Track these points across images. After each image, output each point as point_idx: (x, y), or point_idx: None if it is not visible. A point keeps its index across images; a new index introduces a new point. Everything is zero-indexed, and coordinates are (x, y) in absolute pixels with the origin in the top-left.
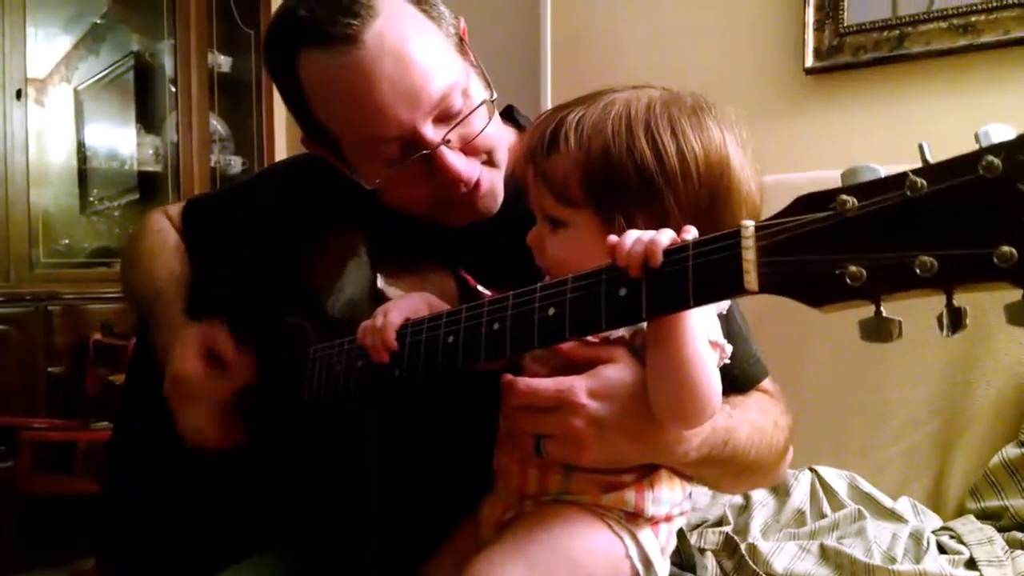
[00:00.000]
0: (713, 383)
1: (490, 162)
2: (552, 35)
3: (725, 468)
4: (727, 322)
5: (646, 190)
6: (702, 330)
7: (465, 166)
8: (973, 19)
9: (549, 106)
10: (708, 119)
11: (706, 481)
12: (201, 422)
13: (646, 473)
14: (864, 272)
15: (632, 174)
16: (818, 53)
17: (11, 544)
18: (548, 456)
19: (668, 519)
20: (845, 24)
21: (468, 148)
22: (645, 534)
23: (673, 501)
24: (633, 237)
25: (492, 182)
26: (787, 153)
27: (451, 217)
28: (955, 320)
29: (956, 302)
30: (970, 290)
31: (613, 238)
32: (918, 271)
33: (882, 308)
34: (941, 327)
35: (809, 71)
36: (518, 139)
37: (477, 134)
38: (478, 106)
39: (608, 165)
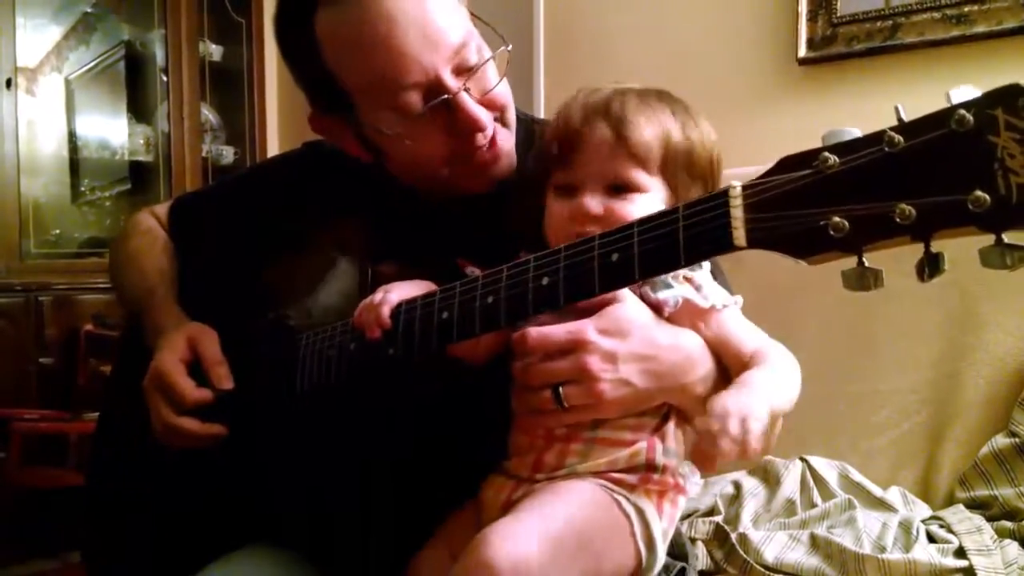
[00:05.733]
0: (794, 393)
1: (503, 121)
2: (544, 27)
3: None
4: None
5: (706, 178)
6: (762, 400)
7: (485, 115)
8: (966, 9)
9: (543, 100)
10: None
11: None
12: (170, 423)
13: (657, 428)
14: (847, 223)
15: (703, 157)
16: (811, 43)
17: (3, 535)
18: (569, 401)
19: (675, 489)
20: (838, 14)
21: (485, 101)
22: (650, 512)
23: (678, 452)
24: None
25: (507, 142)
26: (780, 143)
27: (466, 179)
28: (933, 265)
29: (943, 288)
30: (948, 236)
31: None
32: (898, 219)
33: (864, 259)
34: (920, 275)
35: (802, 61)
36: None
37: (494, 86)
38: (493, 56)
39: (689, 144)
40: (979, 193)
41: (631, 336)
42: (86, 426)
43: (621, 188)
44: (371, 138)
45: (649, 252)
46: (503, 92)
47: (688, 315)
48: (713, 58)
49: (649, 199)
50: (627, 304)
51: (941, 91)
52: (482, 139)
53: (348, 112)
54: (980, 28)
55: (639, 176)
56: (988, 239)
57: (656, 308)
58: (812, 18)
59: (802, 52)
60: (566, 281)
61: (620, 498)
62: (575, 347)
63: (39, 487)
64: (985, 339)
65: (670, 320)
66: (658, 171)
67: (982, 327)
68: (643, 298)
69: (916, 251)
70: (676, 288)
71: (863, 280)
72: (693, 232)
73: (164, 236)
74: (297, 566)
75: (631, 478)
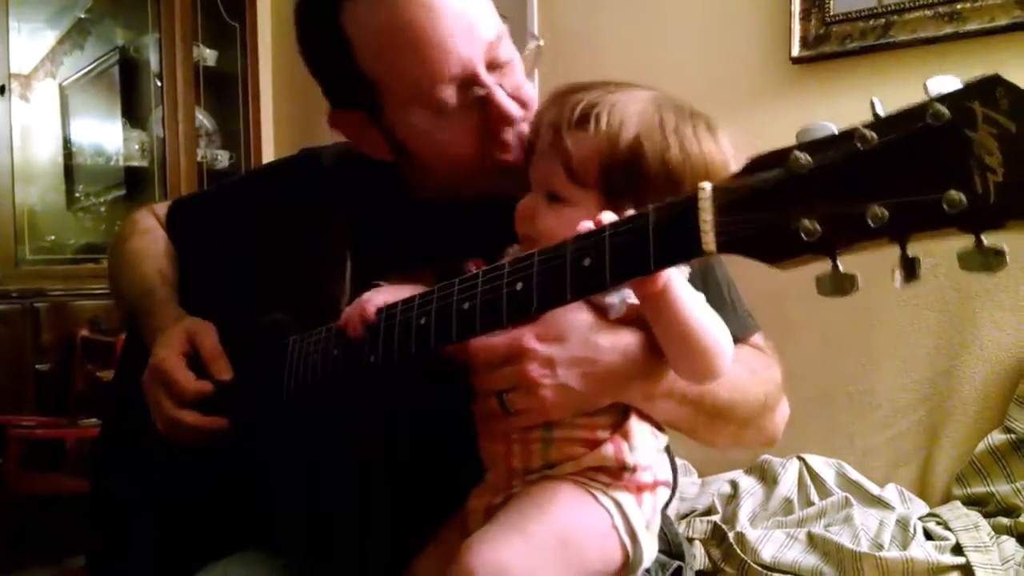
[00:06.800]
0: (717, 325)
1: (526, 119)
2: (538, 27)
3: (697, 408)
4: (705, 287)
5: (667, 186)
6: (682, 281)
7: (517, 110)
8: (959, 7)
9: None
10: (719, 133)
11: (681, 426)
12: (172, 416)
13: (618, 425)
14: (818, 226)
15: (661, 173)
16: (805, 42)
17: (0, 542)
18: (512, 407)
19: (652, 488)
20: (831, 13)
21: (514, 99)
22: (628, 501)
23: (648, 447)
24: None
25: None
26: (774, 142)
27: (488, 178)
28: (909, 270)
29: (936, 287)
30: (924, 239)
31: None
32: (870, 222)
33: (838, 263)
34: (895, 279)
35: (796, 60)
36: None
37: (522, 84)
38: (524, 53)
39: (634, 157)
40: (954, 193)
41: (569, 340)
42: (83, 432)
43: (555, 197)
44: (397, 134)
45: (620, 257)
46: (531, 91)
47: (639, 316)
48: (706, 58)
49: (576, 213)
50: (567, 308)
51: None
52: (511, 136)
53: (373, 107)
54: (973, 25)
55: (568, 188)
56: (968, 240)
57: (603, 311)
58: (805, 17)
59: (795, 51)
60: (539, 287)
61: (597, 492)
62: (515, 355)
63: (36, 493)
64: (980, 336)
65: (622, 322)
66: (595, 186)
67: (977, 325)
68: (591, 301)
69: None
70: (624, 290)
71: (837, 285)
72: (663, 237)
73: (164, 236)
74: (290, 571)
75: (604, 477)
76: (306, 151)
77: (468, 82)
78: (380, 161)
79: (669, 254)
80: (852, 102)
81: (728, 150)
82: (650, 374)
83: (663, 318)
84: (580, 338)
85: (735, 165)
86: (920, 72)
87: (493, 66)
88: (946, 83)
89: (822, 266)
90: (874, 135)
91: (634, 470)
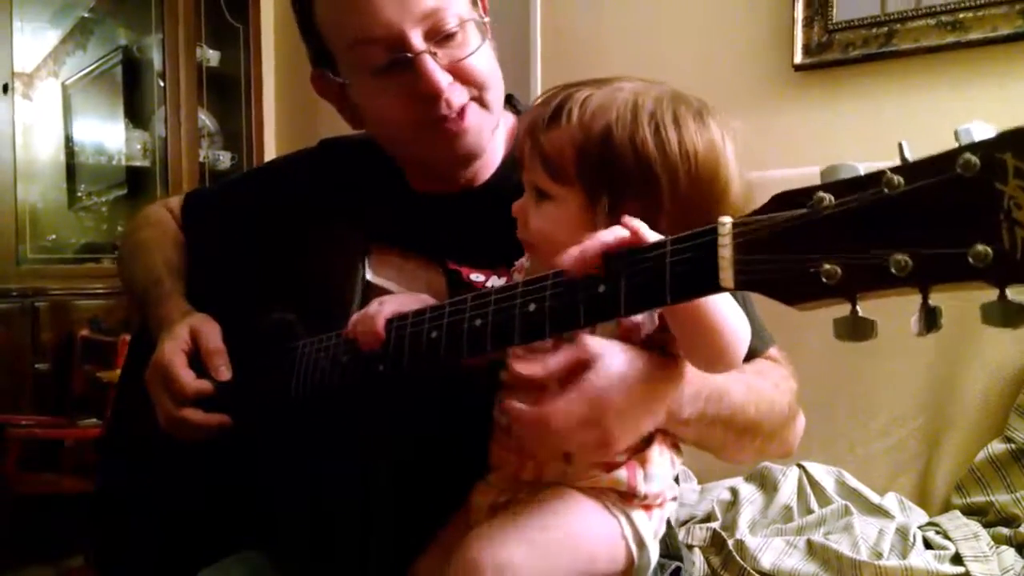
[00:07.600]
0: (737, 315)
1: (481, 101)
2: (542, 31)
3: (727, 427)
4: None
5: (642, 177)
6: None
7: (447, 82)
8: (961, 16)
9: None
10: (711, 121)
11: (711, 444)
12: (171, 414)
13: (637, 452)
14: (839, 270)
15: (631, 160)
16: (807, 50)
17: None
18: (576, 457)
19: (660, 505)
20: (834, 21)
21: (457, 72)
22: (638, 515)
23: (663, 477)
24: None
25: (480, 121)
26: (776, 149)
27: (431, 148)
28: (929, 320)
29: (937, 300)
30: (946, 290)
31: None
32: (893, 270)
33: (858, 307)
34: (914, 327)
35: (798, 68)
36: (516, 123)
37: (465, 56)
38: (463, 22)
39: (607, 147)
40: (980, 247)
41: (634, 387)
42: (82, 432)
43: (541, 194)
44: (349, 97)
45: (635, 287)
46: (482, 69)
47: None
48: (709, 64)
49: (561, 210)
50: (614, 353)
51: (936, 97)
52: (445, 107)
53: (332, 68)
54: (975, 35)
55: (550, 184)
56: (992, 293)
57: (631, 330)
58: (808, 24)
59: (798, 58)
60: (552, 311)
61: (607, 502)
62: (594, 422)
63: (35, 493)
64: (981, 345)
65: (648, 340)
66: (576, 180)
67: (978, 333)
68: (619, 322)
69: None
70: None
71: (856, 330)
72: (680, 270)
73: (175, 228)
74: (293, 572)
75: (614, 495)
76: (324, 143)
77: (397, 47)
78: (385, 152)
79: (686, 288)
80: (854, 110)
81: (718, 135)
82: (691, 395)
83: (685, 317)
84: (637, 376)
85: (733, 153)
86: (922, 81)
87: (434, 36)
88: (978, 130)
89: (840, 308)
90: (901, 180)
91: (644, 498)
